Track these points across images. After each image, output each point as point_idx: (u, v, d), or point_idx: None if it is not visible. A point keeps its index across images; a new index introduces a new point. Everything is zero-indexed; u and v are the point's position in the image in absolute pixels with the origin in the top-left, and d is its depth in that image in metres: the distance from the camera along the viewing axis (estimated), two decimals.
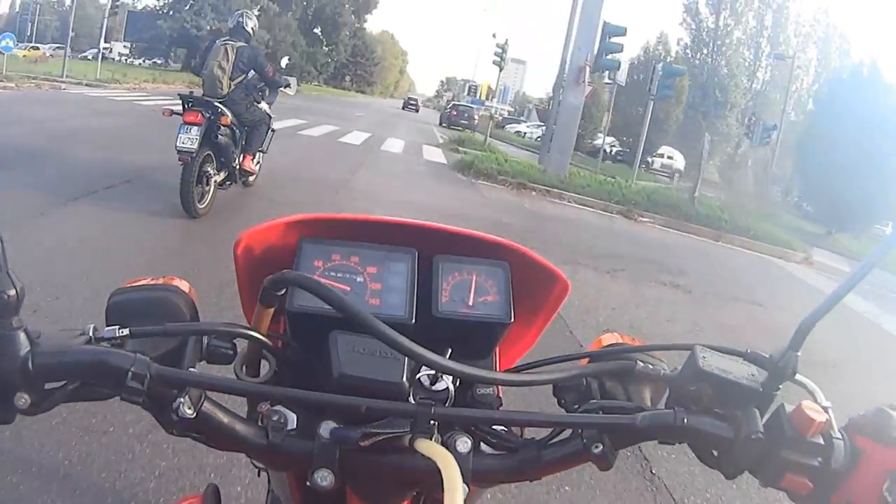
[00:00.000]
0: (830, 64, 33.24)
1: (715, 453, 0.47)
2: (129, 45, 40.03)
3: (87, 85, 16.55)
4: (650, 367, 0.56)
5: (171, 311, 0.52)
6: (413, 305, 0.59)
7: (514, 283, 0.64)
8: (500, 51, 18.79)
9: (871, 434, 0.44)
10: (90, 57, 35.76)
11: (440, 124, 30.67)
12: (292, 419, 0.49)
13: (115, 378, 0.42)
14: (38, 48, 34.51)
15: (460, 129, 27.00)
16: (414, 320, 0.58)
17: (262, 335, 0.52)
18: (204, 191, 4.53)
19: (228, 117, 4.51)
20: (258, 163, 5.43)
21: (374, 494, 0.53)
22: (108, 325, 0.47)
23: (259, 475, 0.75)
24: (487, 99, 45.14)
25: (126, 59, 38.84)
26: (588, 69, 11.62)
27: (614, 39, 11.91)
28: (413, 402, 0.48)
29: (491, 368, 0.66)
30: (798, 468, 0.44)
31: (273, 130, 5.56)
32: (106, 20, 21.36)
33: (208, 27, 33.94)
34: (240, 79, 4.70)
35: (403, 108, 45.26)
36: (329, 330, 0.50)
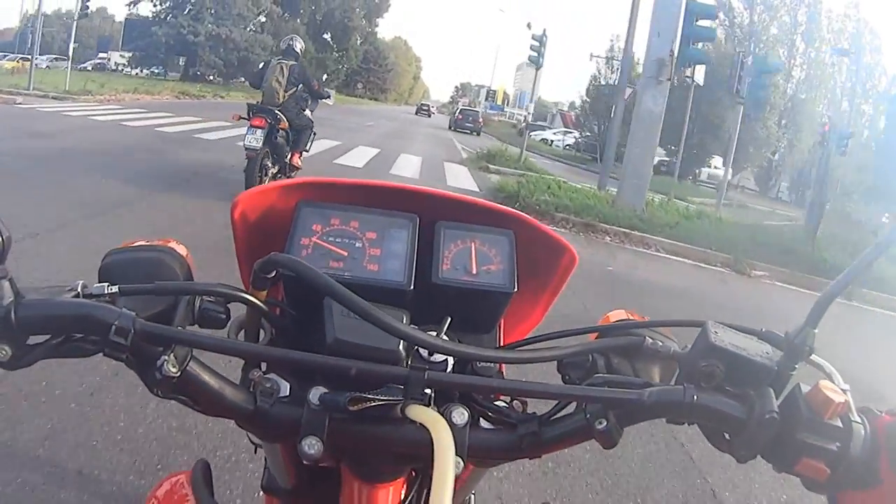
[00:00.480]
0: (862, 60, 29.93)
1: (727, 436, 0.45)
2: (126, 54, 37.30)
3: (53, 98, 14.55)
4: (659, 343, 0.53)
5: (165, 273, 0.51)
6: (412, 272, 0.57)
7: (520, 253, 0.62)
8: (536, 44, 14.63)
9: (895, 464, 0.41)
10: (90, 68, 33.74)
11: (449, 128, 32.51)
12: (285, 387, 0.48)
13: (98, 333, 0.41)
14: (27, 59, 32.42)
15: (468, 132, 30.20)
16: (413, 287, 0.57)
17: (258, 300, 0.50)
18: (263, 180, 5.54)
19: (285, 122, 5.72)
20: (302, 160, 6.35)
21: (368, 472, 0.51)
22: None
23: (255, 452, 0.68)
24: (504, 104, 44.92)
25: (123, 69, 35.91)
26: (671, 58, 8.56)
27: (702, 23, 8.94)
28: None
29: (494, 342, 0.65)
30: (815, 452, 0.42)
31: (314, 133, 6.44)
32: (76, 24, 18.93)
33: (205, 33, 31.64)
34: (291, 91, 5.80)
35: (416, 114, 49.03)
36: (324, 296, 0.46)
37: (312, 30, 48.84)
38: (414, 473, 0.57)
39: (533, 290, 0.69)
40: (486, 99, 65.41)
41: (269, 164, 5.71)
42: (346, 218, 0.60)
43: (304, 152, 6.31)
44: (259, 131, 5.38)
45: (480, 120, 32.91)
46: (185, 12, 33.44)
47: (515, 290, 0.60)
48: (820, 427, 0.42)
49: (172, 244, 0.55)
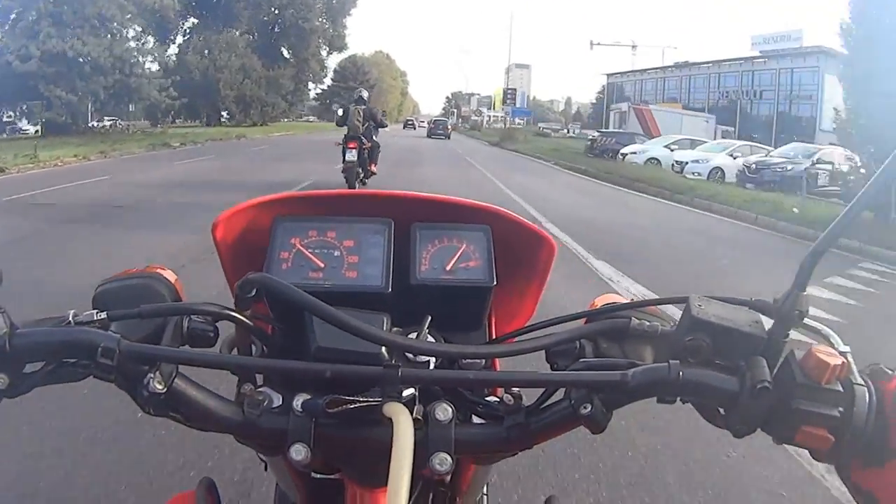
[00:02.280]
0: None
1: (722, 411, 0.45)
2: None
3: None
4: (646, 323, 0.54)
5: (153, 298, 0.54)
6: (389, 275, 0.60)
7: (499, 247, 0.64)
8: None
9: None
10: None
11: (427, 136, 37.22)
12: (277, 399, 0.50)
13: (87, 356, 0.43)
14: None
15: (441, 137, 35.53)
16: (391, 289, 0.59)
17: (244, 317, 0.52)
18: (356, 181, 8.79)
19: (366, 144, 8.90)
20: (375, 167, 9.73)
21: (368, 477, 0.52)
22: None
23: (266, 470, 0.73)
24: (504, 104, 44.21)
25: None
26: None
27: None
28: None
29: (483, 339, 0.66)
30: (815, 419, 0.41)
31: (380, 148, 9.60)
32: None
33: (39, 52, 19.52)
34: (365, 125, 8.95)
35: (404, 128, 53.49)
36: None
37: (261, 41, 40.01)
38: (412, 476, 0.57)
39: (518, 282, 0.71)
40: (488, 108, 61.99)
41: (360, 171, 8.89)
42: (322, 229, 0.62)
43: (376, 162, 9.63)
44: (353, 151, 8.60)
45: (449, 128, 41.21)
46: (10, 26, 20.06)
47: (495, 283, 0.62)
48: (817, 393, 0.40)
49: (160, 270, 0.57)
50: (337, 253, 0.61)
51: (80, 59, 20.82)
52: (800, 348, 0.42)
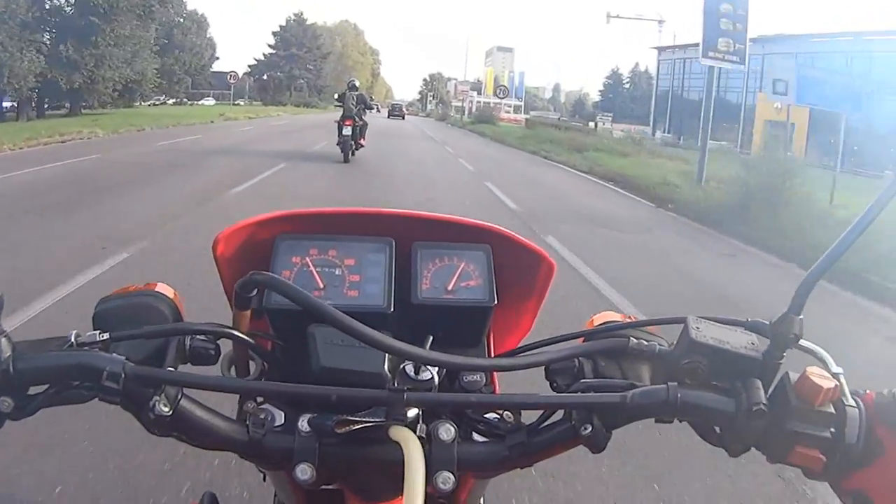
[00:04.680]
0: None
1: (717, 430, 0.46)
2: None
3: None
4: (644, 343, 0.55)
5: (154, 316, 0.55)
6: (391, 294, 0.62)
7: (498, 266, 0.67)
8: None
9: (894, 426, 0.42)
10: None
11: (388, 117, 42.01)
12: (280, 416, 0.51)
13: (92, 379, 0.44)
14: None
15: (399, 118, 40.91)
16: (393, 309, 0.61)
17: (244, 334, 0.54)
18: (350, 151, 11.72)
19: (358, 122, 11.84)
20: (364, 140, 12.85)
21: (368, 492, 0.54)
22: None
23: (264, 480, 0.71)
24: (496, 93, 37.53)
25: None
26: None
27: None
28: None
29: (483, 356, 0.68)
30: (807, 440, 0.43)
31: (367, 126, 12.79)
32: None
33: None
34: (358, 108, 11.81)
35: (389, 117, 46.22)
36: (308, 324, 0.51)
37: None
38: None
39: (516, 300, 0.72)
40: (480, 92, 51.06)
41: (353, 143, 11.83)
42: (323, 247, 0.63)
43: (364, 137, 12.78)
44: (349, 127, 11.51)
45: (405, 110, 48.55)
46: None
47: (495, 303, 0.63)
48: (810, 415, 0.42)
49: (159, 287, 0.57)
50: (338, 272, 0.63)
51: None
52: (794, 370, 0.44)
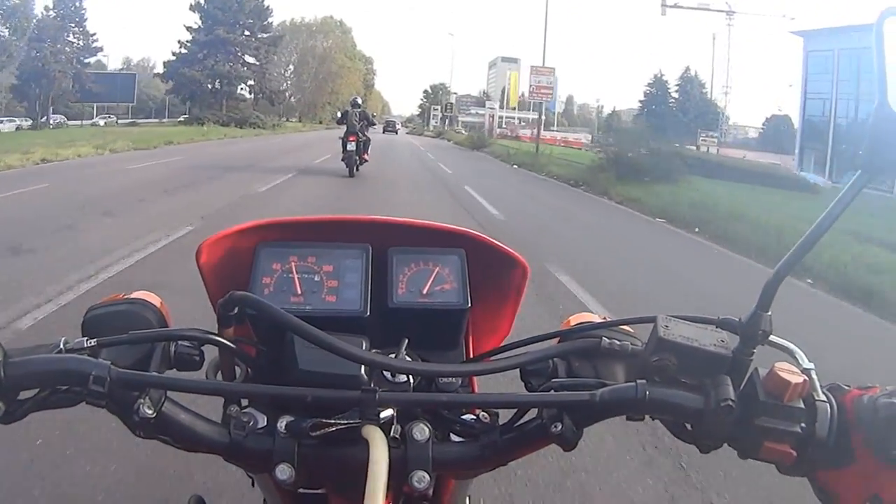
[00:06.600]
0: None
1: (689, 427, 0.47)
2: None
3: None
4: (616, 342, 0.56)
5: (140, 323, 0.57)
6: (367, 299, 0.64)
7: (473, 270, 0.69)
8: None
9: (868, 440, 0.42)
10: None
11: (383, 132, 42.33)
12: (262, 420, 0.53)
13: (79, 383, 0.46)
14: None
15: (394, 133, 44.41)
16: (370, 313, 0.63)
17: (227, 340, 0.55)
18: (354, 166, 12.42)
19: (362, 138, 12.52)
20: (368, 155, 13.58)
21: (352, 494, 0.51)
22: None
23: (253, 486, 0.72)
24: (516, 108, 36.99)
25: None
26: None
27: None
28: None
29: (460, 359, 0.70)
30: (777, 435, 0.43)
31: (370, 141, 13.36)
32: None
33: None
34: (361, 124, 12.49)
35: (384, 133, 43.01)
36: (287, 330, 0.52)
37: None
38: (395, 491, 0.57)
39: (493, 303, 0.74)
40: (503, 105, 45.99)
41: (357, 158, 12.50)
42: (303, 254, 0.66)
43: (368, 152, 13.49)
44: (353, 143, 12.17)
45: (399, 126, 54.12)
46: None
47: (469, 305, 0.65)
48: (779, 410, 0.43)
49: (145, 296, 0.60)
50: (317, 278, 0.65)
51: None
52: (765, 366, 0.44)
